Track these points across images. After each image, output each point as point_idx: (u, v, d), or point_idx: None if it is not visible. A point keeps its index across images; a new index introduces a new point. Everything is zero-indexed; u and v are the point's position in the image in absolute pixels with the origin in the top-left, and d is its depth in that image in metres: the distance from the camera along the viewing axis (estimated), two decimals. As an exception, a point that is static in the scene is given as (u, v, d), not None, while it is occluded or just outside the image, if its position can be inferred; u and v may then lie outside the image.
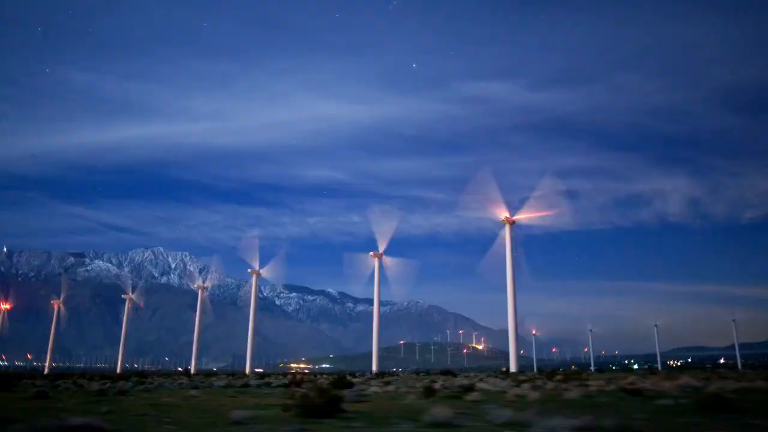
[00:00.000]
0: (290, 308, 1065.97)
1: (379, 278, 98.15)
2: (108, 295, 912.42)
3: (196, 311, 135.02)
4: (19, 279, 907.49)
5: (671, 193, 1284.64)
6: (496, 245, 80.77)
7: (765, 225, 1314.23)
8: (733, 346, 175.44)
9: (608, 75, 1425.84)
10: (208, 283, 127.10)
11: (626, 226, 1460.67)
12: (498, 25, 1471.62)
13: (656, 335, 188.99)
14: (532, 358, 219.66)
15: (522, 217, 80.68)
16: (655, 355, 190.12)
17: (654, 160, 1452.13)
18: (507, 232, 79.56)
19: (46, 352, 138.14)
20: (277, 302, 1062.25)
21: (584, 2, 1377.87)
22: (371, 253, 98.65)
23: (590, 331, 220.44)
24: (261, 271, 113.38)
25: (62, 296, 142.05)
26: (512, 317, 76.89)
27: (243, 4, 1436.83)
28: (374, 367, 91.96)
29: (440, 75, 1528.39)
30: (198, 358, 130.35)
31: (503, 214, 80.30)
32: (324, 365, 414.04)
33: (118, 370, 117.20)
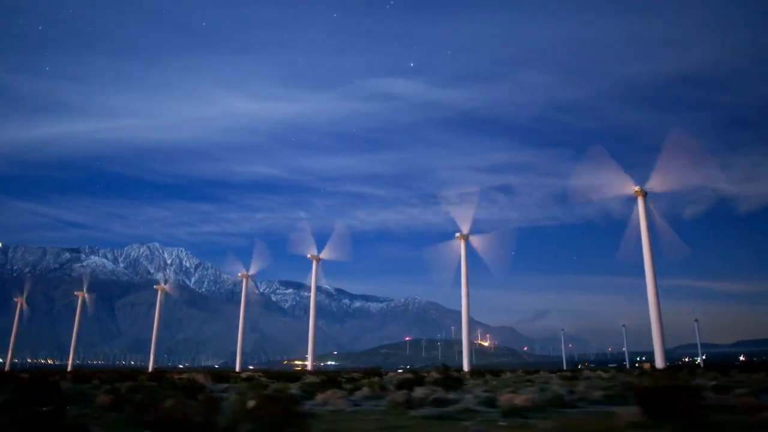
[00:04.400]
0: (286, 305, 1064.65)
1: (467, 262, 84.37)
2: (103, 291, 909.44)
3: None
4: (14, 275, 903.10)
5: (607, 188, 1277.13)
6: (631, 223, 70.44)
7: (707, 220, 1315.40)
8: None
9: (508, 72, 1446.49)
10: (252, 272, 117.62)
11: (573, 222, 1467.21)
12: (393, 22, 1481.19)
13: (697, 331, 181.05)
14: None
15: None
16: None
17: (578, 155, 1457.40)
18: (641, 205, 69.67)
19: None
20: (273, 298, 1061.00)
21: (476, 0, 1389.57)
22: (456, 234, 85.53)
23: (623, 326, 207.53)
24: (321, 257, 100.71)
25: (84, 288, 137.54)
26: (654, 305, 67.48)
27: (140, 4, 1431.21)
28: (465, 365, 78.71)
29: (342, 72, 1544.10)
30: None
31: (632, 187, 70.38)
32: (330, 362, 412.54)
33: (150, 368, 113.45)
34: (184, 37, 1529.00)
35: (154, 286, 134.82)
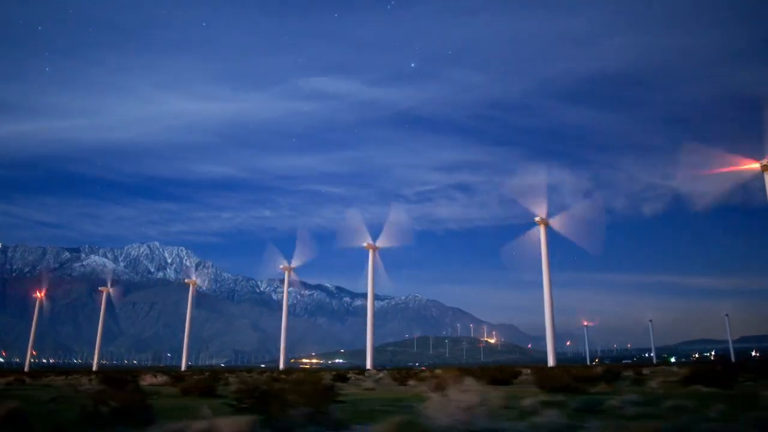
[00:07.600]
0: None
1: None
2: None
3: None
4: (14, 274, 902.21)
5: (561, 186, 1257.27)
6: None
7: (669, 218, 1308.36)
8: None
9: (439, 71, 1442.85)
10: (294, 264, 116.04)
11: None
12: (323, 21, 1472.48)
13: (728, 326, 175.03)
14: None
15: None
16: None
17: (526, 154, 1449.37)
18: None
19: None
20: (274, 297, 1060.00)
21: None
22: (536, 218, 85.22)
23: (650, 321, 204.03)
24: (378, 246, 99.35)
25: (109, 286, 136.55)
26: None
27: (68, 4, 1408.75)
28: (551, 360, 78.00)
29: (276, 71, 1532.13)
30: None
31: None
32: (337, 360, 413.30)
33: (183, 367, 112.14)
34: (117, 36, 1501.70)
35: (185, 281, 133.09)
